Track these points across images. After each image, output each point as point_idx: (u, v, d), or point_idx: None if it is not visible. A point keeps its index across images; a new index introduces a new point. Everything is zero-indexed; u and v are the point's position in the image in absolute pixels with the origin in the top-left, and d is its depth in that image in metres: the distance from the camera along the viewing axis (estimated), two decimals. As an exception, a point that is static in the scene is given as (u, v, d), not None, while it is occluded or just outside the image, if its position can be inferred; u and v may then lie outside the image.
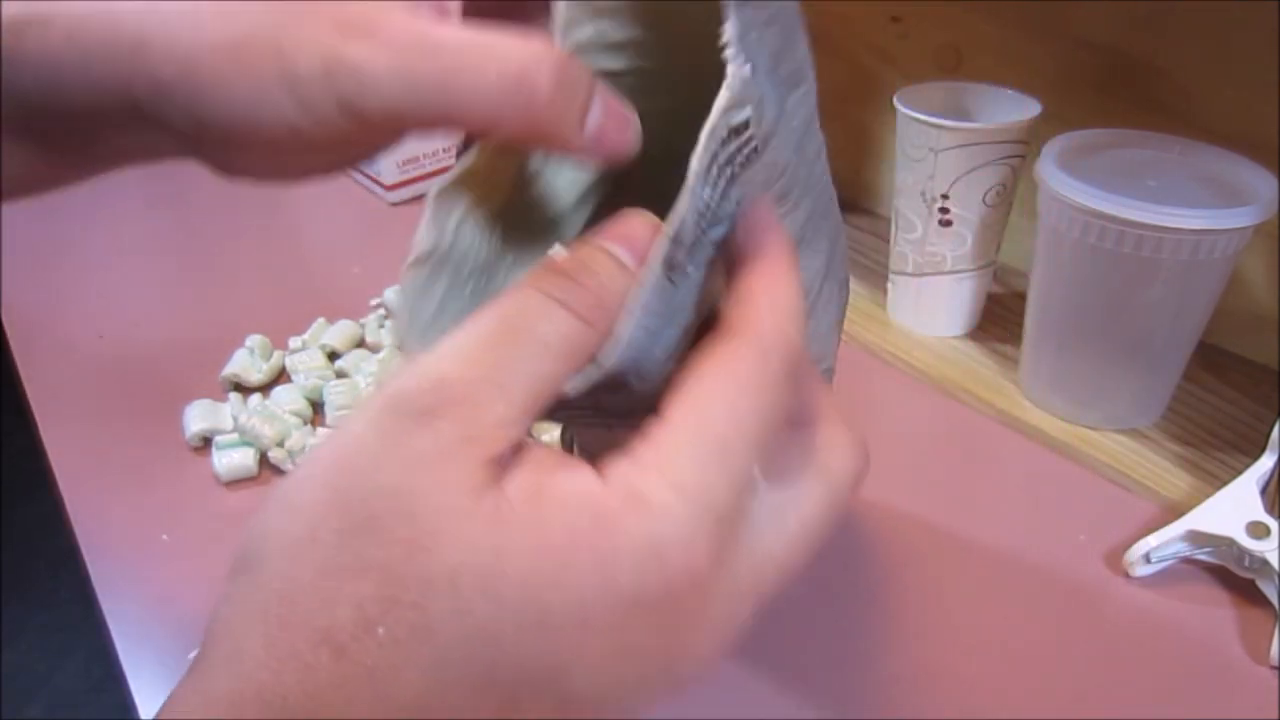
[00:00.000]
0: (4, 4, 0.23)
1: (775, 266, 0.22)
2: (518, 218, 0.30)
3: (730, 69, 0.21)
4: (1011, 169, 0.53)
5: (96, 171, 0.27)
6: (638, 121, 0.25)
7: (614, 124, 0.24)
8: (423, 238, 0.27)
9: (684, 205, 0.21)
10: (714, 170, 0.22)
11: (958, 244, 0.56)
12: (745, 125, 0.22)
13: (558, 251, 0.22)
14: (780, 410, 0.21)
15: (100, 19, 0.23)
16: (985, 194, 0.53)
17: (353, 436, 0.19)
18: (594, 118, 0.23)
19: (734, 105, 0.21)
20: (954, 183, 0.53)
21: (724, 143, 0.22)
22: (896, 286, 0.60)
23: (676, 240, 0.21)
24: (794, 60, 0.27)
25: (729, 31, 0.21)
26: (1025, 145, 0.53)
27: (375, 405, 0.20)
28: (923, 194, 0.55)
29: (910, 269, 0.58)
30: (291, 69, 0.22)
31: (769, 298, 0.21)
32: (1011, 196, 0.55)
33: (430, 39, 0.22)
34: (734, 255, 0.23)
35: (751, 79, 0.22)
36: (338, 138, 0.23)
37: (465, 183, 0.27)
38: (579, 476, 0.19)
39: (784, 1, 0.25)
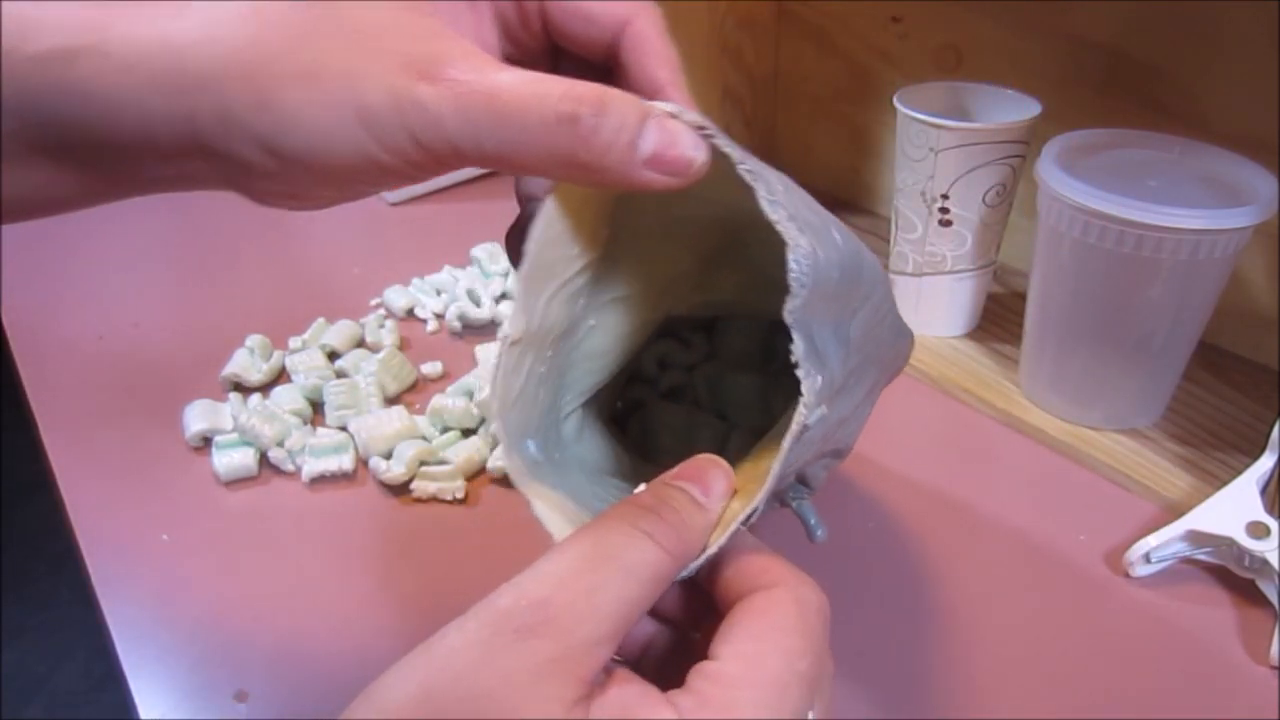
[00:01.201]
0: (53, 30, 0.23)
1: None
2: (597, 283, 0.31)
3: (804, 386, 0.24)
4: (1011, 169, 0.53)
5: (128, 195, 0.27)
6: (705, 142, 0.25)
7: (670, 143, 0.24)
8: (515, 320, 0.27)
9: (764, 492, 0.25)
10: (792, 456, 0.25)
11: (958, 244, 0.56)
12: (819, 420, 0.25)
13: (641, 489, 0.25)
14: (824, 653, 0.23)
15: (161, 52, 0.23)
16: (985, 194, 0.53)
17: (448, 647, 0.21)
18: (648, 142, 0.24)
19: (808, 412, 0.24)
20: (954, 183, 0.53)
21: (799, 437, 0.25)
22: (896, 286, 0.60)
23: (754, 510, 0.25)
24: (856, 296, 0.29)
25: (798, 350, 0.24)
26: (1025, 145, 0.53)
27: (473, 620, 0.21)
28: (923, 194, 0.55)
29: (910, 269, 0.58)
30: (364, 100, 0.23)
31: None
32: (1011, 196, 0.55)
33: (488, 84, 0.23)
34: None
35: (822, 387, 0.24)
36: (404, 168, 0.24)
37: (552, 262, 0.28)
38: (659, 709, 0.21)
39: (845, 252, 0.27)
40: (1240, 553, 0.42)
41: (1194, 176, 0.47)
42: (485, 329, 0.62)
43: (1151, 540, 0.43)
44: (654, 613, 0.25)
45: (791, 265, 0.23)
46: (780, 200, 0.24)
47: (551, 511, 0.27)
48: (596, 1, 0.28)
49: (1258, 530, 0.41)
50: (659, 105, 0.25)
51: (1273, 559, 0.40)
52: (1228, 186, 0.46)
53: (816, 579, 0.26)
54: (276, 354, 0.59)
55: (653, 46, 0.28)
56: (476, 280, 0.64)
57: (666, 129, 0.24)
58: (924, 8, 0.65)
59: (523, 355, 0.28)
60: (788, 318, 0.24)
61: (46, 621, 1.44)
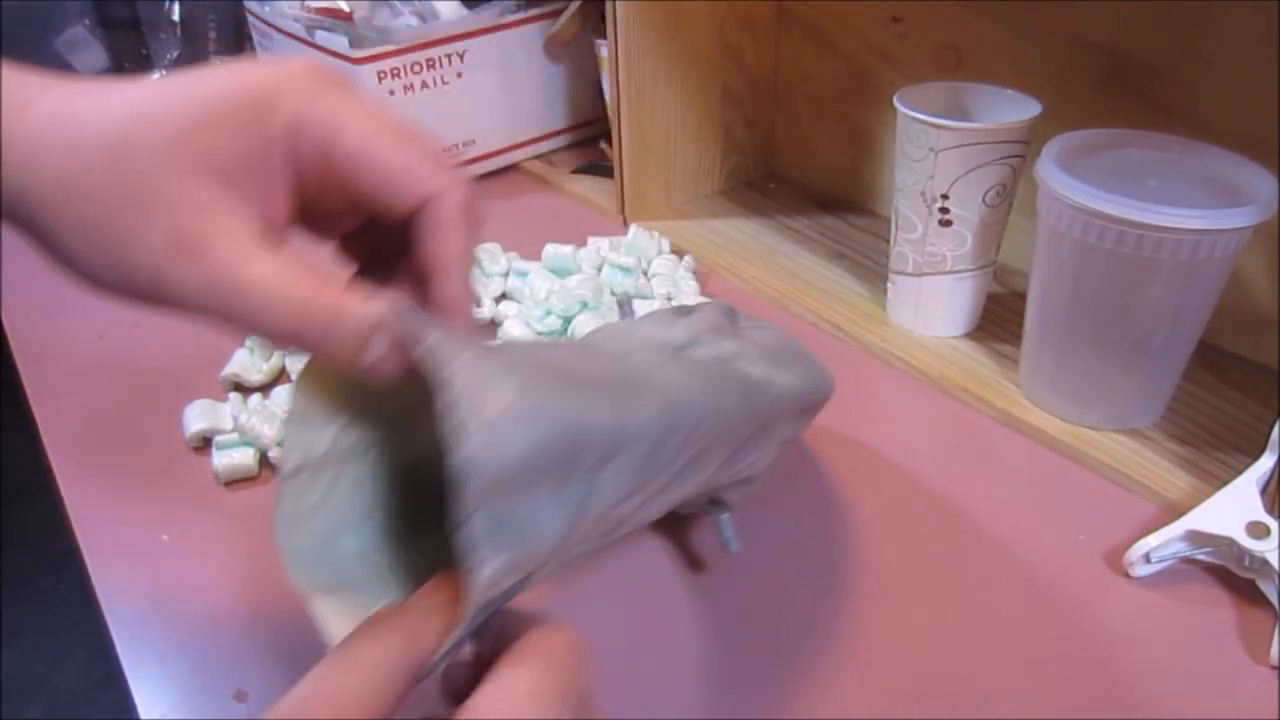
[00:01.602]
0: None
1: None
2: (368, 412, 0.32)
3: (473, 575, 0.24)
4: (1011, 169, 0.53)
5: None
6: (413, 354, 0.27)
7: (387, 358, 0.27)
8: (290, 454, 0.30)
9: (458, 633, 0.26)
10: (478, 616, 0.26)
11: (958, 244, 0.56)
12: (508, 590, 0.27)
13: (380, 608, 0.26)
14: (574, 684, 0.25)
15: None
16: (985, 194, 0.53)
17: None
18: (372, 352, 0.27)
19: (480, 596, 0.25)
20: (954, 183, 0.53)
21: (483, 607, 0.26)
22: (896, 286, 0.60)
23: (457, 640, 0.26)
24: (667, 448, 0.31)
25: (467, 539, 0.24)
26: (1025, 145, 0.53)
27: None
28: (923, 194, 0.55)
29: (910, 269, 0.58)
30: (129, 261, 0.26)
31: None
32: (1011, 196, 0.55)
33: (240, 278, 0.26)
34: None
35: (494, 576, 0.25)
36: (167, 310, 0.27)
37: (314, 388, 0.30)
38: None
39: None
40: (1240, 553, 0.42)
41: (1194, 176, 0.47)
42: (485, 329, 0.62)
43: (1151, 540, 0.43)
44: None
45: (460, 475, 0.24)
46: (464, 410, 0.24)
47: (333, 617, 0.29)
48: (407, 170, 0.28)
49: (1258, 530, 0.41)
50: (391, 311, 0.27)
51: (1273, 559, 0.40)
52: (1228, 186, 0.46)
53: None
54: (276, 354, 0.59)
55: (449, 224, 0.29)
56: (476, 280, 0.64)
57: (391, 342, 0.27)
58: (924, 8, 0.65)
59: (298, 486, 0.30)
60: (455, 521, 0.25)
61: (46, 621, 1.44)
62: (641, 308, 0.60)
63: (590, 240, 0.68)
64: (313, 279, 0.27)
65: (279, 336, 0.27)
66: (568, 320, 0.60)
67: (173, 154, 0.26)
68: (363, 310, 0.27)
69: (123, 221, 0.26)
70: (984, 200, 0.54)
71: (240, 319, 0.27)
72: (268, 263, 0.27)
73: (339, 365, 0.27)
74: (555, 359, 0.29)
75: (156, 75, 0.92)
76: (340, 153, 0.28)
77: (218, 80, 0.28)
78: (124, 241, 0.26)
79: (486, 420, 0.24)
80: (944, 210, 0.54)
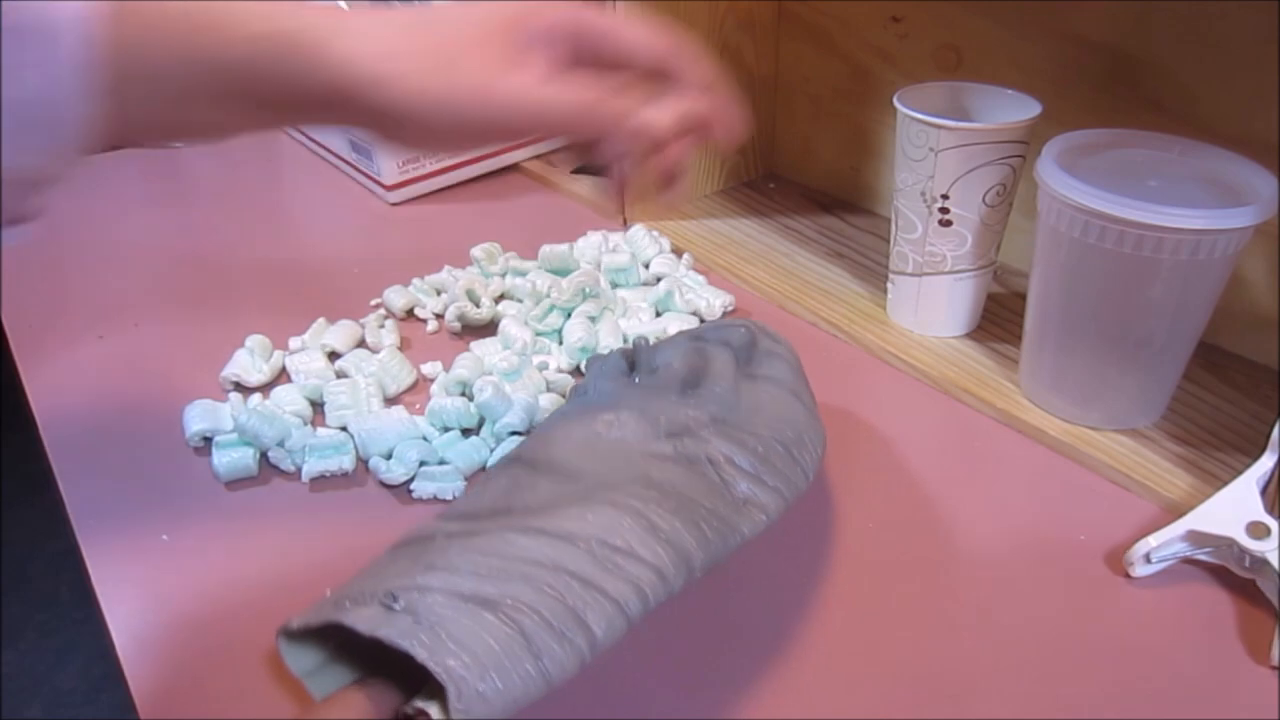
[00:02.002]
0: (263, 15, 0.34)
1: None
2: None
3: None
4: (1011, 169, 0.53)
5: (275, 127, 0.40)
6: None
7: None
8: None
9: None
10: None
11: (958, 244, 0.56)
12: None
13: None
14: None
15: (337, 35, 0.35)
16: (985, 194, 0.53)
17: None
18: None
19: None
20: (954, 183, 0.53)
21: None
22: (896, 287, 0.60)
23: None
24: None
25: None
26: (1025, 145, 0.53)
27: None
28: (923, 194, 0.55)
29: (910, 269, 0.58)
30: (458, 80, 0.36)
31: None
32: (1012, 196, 0.55)
33: (550, 87, 0.38)
34: None
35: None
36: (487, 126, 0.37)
37: None
38: None
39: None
40: (1240, 553, 0.42)
41: (1194, 176, 0.47)
42: (485, 329, 0.62)
43: (1152, 540, 0.43)
44: None
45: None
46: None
47: (315, 687, 0.34)
48: (638, 39, 0.41)
49: (1258, 530, 0.41)
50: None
51: (1273, 559, 0.40)
52: (1228, 186, 0.46)
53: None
54: (276, 354, 0.59)
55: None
56: (476, 280, 0.64)
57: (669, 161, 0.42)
58: (924, 8, 0.65)
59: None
60: None
61: (46, 621, 1.44)
62: (672, 322, 0.60)
63: (589, 233, 0.69)
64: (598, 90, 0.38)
65: (579, 109, 0.37)
66: (568, 313, 0.61)
67: (463, 30, 0.36)
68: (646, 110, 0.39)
69: (448, 58, 0.35)
70: (984, 200, 0.54)
71: (555, 119, 0.38)
72: (567, 78, 0.38)
73: (615, 125, 0.39)
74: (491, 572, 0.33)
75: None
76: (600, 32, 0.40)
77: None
78: (452, 69, 0.35)
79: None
80: (944, 210, 0.54)
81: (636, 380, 0.44)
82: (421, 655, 0.30)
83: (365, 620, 0.31)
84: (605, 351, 0.53)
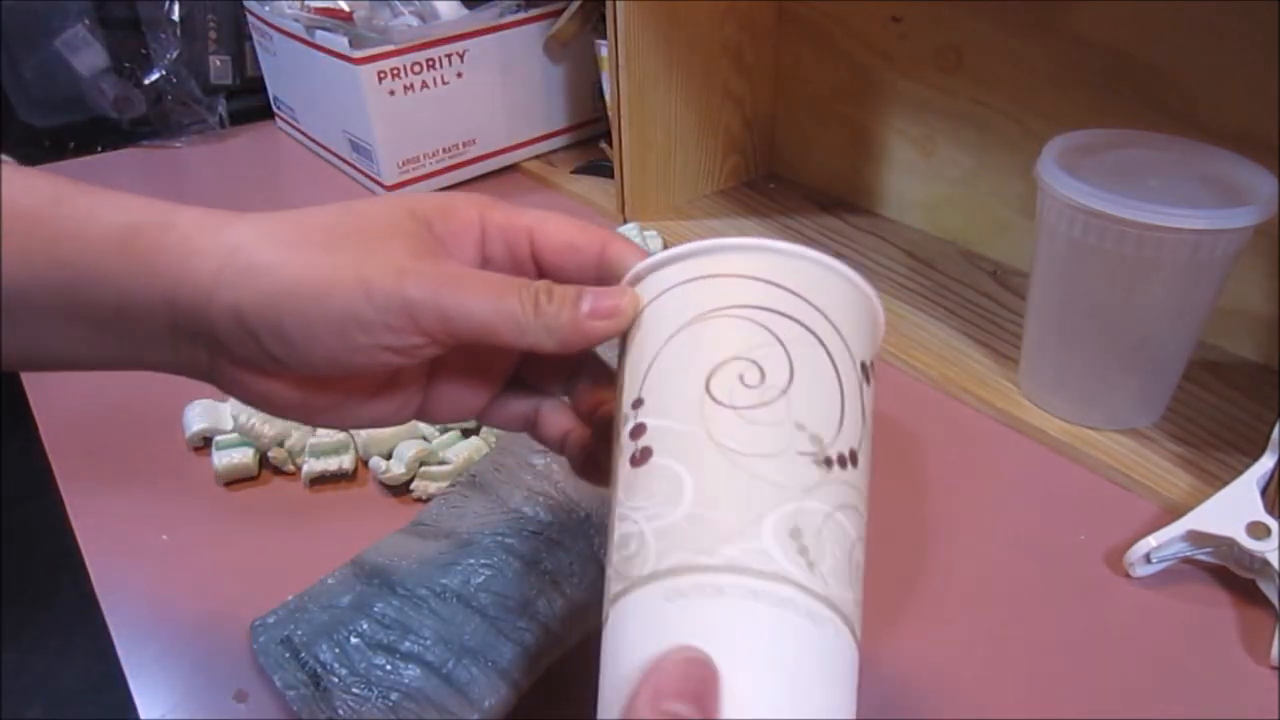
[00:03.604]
0: (122, 211, 0.28)
1: None
2: None
3: None
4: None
5: (132, 367, 0.31)
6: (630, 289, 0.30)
7: (603, 295, 0.29)
8: None
9: None
10: None
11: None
12: None
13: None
14: None
15: (212, 248, 0.28)
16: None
17: None
18: (586, 303, 0.29)
19: None
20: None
21: None
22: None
23: None
24: None
25: None
26: None
27: None
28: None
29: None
30: (369, 287, 0.28)
31: None
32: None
33: (459, 272, 0.29)
34: None
35: None
36: (393, 348, 0.28)
37: None
38: None
39: None
40: (1240, 553, 0.42)
41: (1194, 176, 0.47)
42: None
43: (1152, 540, 0.43)
44: None
45: None
46: None
47: None
48: (577, 231, 0.31)
49: (1258, 530, 0.41)
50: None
51: (1273, 559, 0.40)
52: (1228, 186, 0.46)
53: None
54: (276, 354, 0.58)
55: (631, 253, 0.31)
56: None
57: (599, 292, 0.29)
58: (924, 8, 0.65)
59: None
60: None
61: (46, 621, 1.44)
62: None
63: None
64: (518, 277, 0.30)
65: (503, 321, 0.28)
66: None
67: (373, 235, 0.29)
68: (568, 287, 0.29)
69: (362, 267, 0.28)
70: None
71: (463, 310, 0.28)
72: (482, 273, 0.29)
73: (554, 334, 0.29)
74: None
75: (156, 74, 0.92)
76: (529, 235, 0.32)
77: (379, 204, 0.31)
78: (365, 281, 0.28)
79: None
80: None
81: None
82: None
83: (296, 697, 0.36)
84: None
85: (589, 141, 0.90)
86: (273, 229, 0.29)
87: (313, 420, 0.32)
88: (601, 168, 0.83)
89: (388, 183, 0.79)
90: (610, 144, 0.76)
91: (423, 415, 0.34)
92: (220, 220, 0.29)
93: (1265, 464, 0.44)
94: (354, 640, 0.37)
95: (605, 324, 0.29)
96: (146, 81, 0.92)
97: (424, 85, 0.78)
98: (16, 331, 0.28)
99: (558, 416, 0.34)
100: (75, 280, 0.27)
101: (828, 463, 0.25)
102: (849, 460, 0.25)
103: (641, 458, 0.25)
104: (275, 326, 0.27)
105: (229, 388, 0.31)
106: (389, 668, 0.36)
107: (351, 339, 0.28)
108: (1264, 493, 0.43)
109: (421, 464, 0.49)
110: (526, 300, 0.28)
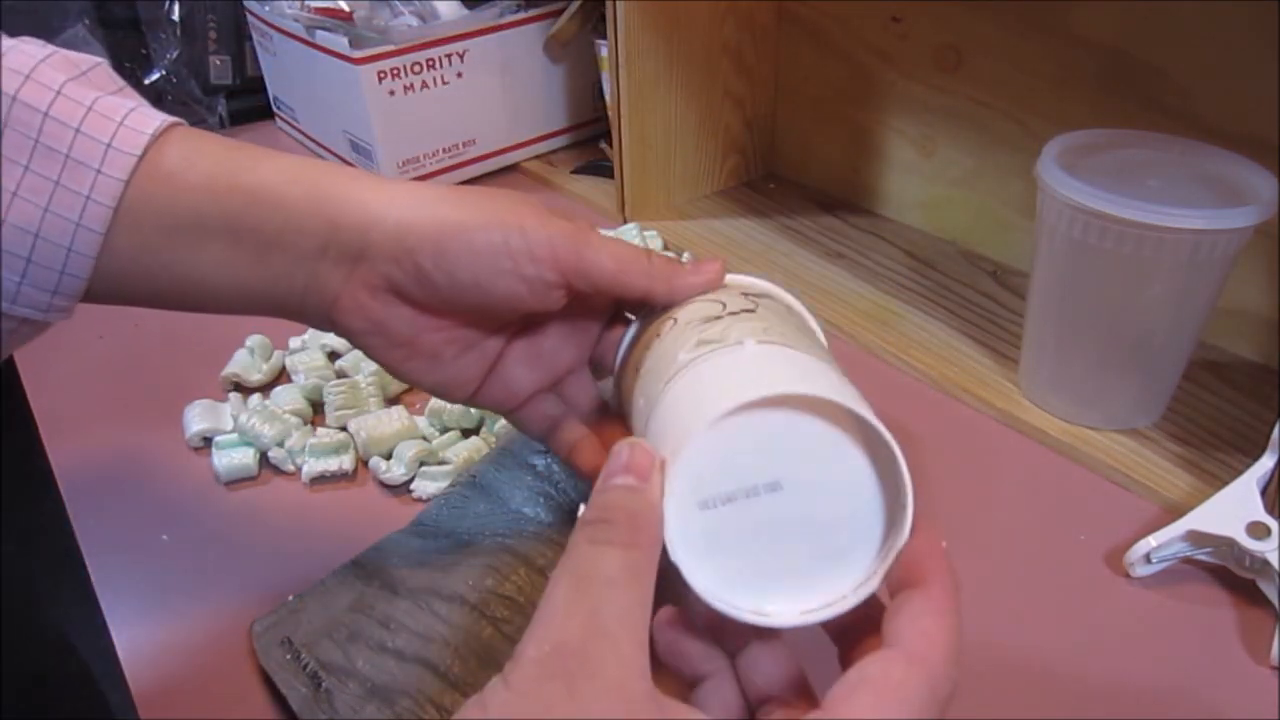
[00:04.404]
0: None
1: (946, 604, 0.26)
2: None
3: None
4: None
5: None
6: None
7: (703, 260, 0.38)
8: None
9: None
10: None
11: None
12: None
13: (582, 510, 0.27)
14: None
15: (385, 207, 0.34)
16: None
17: (500, 702, 0.22)
18: (690, 265, 0.37)
19: None
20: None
21: None
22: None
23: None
24: None
25: None
26: None
27: (515, 674, 0.23)
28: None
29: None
30: (522, 224, 0.34)
31: (944, 639, 0.25)
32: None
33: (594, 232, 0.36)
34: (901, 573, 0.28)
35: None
36: (533, 284, 0.34)
37: None
38: None
39: None
40: (1240, 553, 0.42)
41: (1194, 176, 0.47)
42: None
43: (1152, 540, 0.43)
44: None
45: None
46: None
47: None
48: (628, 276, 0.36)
49: (1258, 531, 0.41)
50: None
51: (1273, 559, 0.40)
52: (1228, 186, 0.46)
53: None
54: (276, 354, 0.59)
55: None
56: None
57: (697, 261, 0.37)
58: (924, 8, 0.65)
59: None
60: None
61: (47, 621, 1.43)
62: None
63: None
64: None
65: (631, 269, 0.35)
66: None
67: (516, 199, 0.35)
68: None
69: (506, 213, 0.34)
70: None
71: (602, 253, 0.34)
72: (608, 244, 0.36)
73: (664, 280, 0.36)
74: None
75: (156, 74, 0.92)
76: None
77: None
78: (516, 219, 0.34)
79: None
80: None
81: None
82: None
83: (296, 698, 0.36)
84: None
85: (589, 141, 0.90)
86: (421, 188, 0.35)
87: (400, 366, 0.36)
88: (601, 168, 0.83)
89: (388, 183, 0.79)
90: (610, 144, 0.76)
91: (479, 395, 0.38)
92: (376, 177, 0.35)
93: (1265, 464, 0.44)
94: (354, 640, 0.37)
95: (701, 278, 0.37)
96: (146, 81, 0.92)
97: (424, 85, 0.78)
98: (178, 254, 0.32)
99: (575, 430, 0.40)
100: (249, 204, 0.32)
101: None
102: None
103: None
104: (437, 247, 0.33)
105: (345, 315, 0.34)
106: (389, 668, 0.36)
107: (499, 263, 0.33)
108: (1264, 493, 0.43)
109: (421, 464, 0.49)
110: (646, 255, 0.35)
